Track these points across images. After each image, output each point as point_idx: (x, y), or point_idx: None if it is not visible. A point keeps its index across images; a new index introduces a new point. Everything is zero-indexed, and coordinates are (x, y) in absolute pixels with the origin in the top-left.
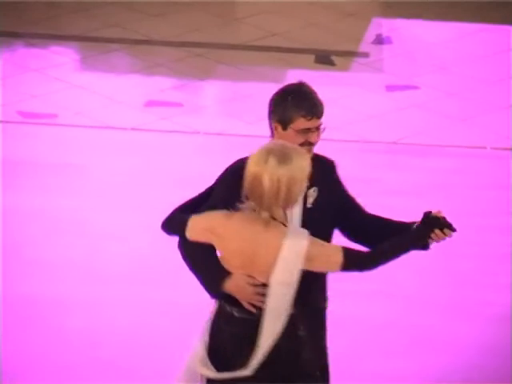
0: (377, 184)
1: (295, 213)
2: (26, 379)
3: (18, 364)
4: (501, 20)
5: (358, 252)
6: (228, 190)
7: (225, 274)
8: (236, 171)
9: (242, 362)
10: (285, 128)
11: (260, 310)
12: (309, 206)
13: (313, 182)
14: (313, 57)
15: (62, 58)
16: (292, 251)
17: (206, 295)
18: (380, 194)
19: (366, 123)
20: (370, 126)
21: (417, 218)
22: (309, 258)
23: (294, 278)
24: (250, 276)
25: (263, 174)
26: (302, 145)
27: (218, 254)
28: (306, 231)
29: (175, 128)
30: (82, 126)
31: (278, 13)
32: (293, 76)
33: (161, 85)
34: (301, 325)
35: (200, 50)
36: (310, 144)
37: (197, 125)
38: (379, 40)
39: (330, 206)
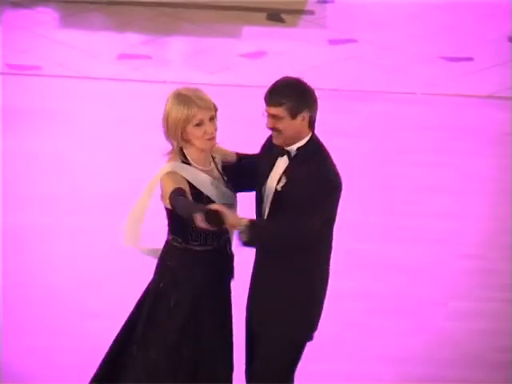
0: (321, 125)
1: (267, 194)
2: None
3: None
4: None
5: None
6: None
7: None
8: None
9: None
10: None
11: None
12: (279, 189)
13: (289, 171)
14: (265, 15)
15: (45, 17)
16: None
17: None
18: (323, 134)
19: (311, 72)
20: (315, 75)
21: (358, 157)
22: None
23: None
24: None
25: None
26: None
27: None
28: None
29: (145, 78)
30: (63, 76)
31: None
32: (248, 32)
33: (131, 40)
34: None
35: (166, 10)
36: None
37: (164, 75)
38: (319, 1)
39: (291, 197)
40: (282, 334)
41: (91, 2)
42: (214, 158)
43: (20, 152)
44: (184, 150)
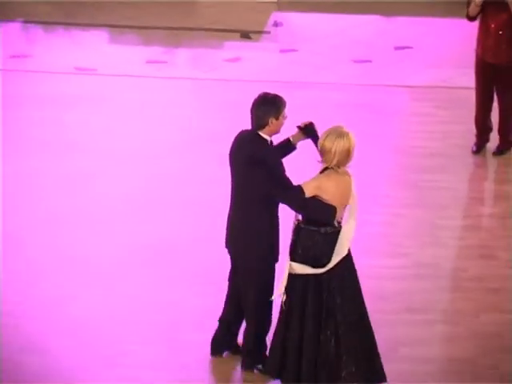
0: None
1: None
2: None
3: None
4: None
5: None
6: (277, 156)
7: (335, 209)
8: (264, 143)
9: (323, 264)
10: (277, 119)
11: (339, 225)
12: None
13: None
14: (239, 34)
15: (97, 36)
16: (354, 187)
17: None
18: None
19: (268, 71)
20: (270, 73)
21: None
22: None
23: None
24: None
25: (348, 147)
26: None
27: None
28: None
29: (163, 75)
30: (111, 74)
31: (216, 8)
32: (228, 45)
33: (154, 51)
34: None
35: (175, 31)
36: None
37: (175, 73)
38: (276, 24)
39: None
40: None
41: (129, 27)
42: None
43: (87, 129)
44: None
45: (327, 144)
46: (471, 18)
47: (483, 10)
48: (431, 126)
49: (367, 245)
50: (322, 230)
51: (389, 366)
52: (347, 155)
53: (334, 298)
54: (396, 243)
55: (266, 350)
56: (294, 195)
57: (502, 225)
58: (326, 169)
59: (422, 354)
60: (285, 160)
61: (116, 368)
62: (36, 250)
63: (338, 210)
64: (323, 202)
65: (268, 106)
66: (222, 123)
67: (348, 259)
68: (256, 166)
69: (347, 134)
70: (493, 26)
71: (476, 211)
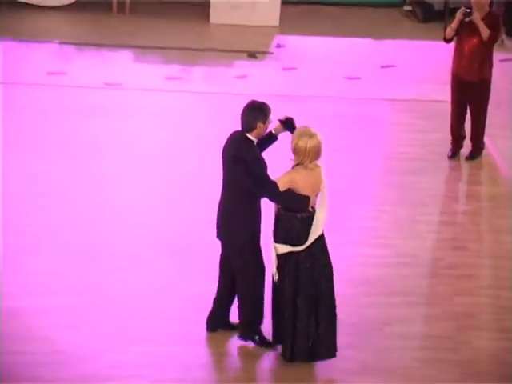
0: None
1: None
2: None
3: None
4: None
5: None
6: (258, 156)
7: (308, 197)
8: (250, 144)
9: (301, 243)
10: (264, 123)
11: (313, 210)
12: None
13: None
14: (246, 54)
15: (122, 56)
16: (323, 176)
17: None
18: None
19: (271, 85)
20: (273, 87)
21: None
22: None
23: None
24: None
25: (314, 145)
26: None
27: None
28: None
29: (180, 89)
30: (135, 88)
31: (226, 31)
32: (237, 64)
33: (173, 69)
34: None
35: (191, 52)
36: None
37: (190, 88)
38: (278, 46)
39: None
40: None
41: (150, 47)
42: None
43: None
44: None
45: (301, 144)
46: (447, 41)
47: (458, 33)
48: (413, 134)
49: (355, 237)
50: (299, 215)
51: (375, 342)
52: (317, 152)
53: (313, 274)
54: (381, 235)
55: (262, 321)
56: (270, 190)
57: (472, 220)
58: (297, 165)
59: (404, 331)
60: (268, 155)
61: (137, 344)
62: (69, 243)
63: (310, 198)
64: (296, 194)
65: (256, 112)
66: (231, 131)
67: (322, 239)
68: (238, 165)
69: (316, 135)
70: (466, 47)
71: (451, 208)
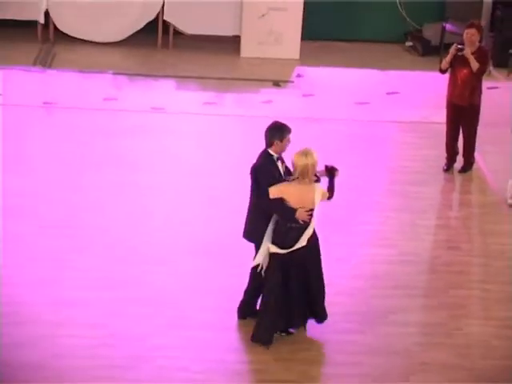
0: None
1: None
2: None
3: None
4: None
5: (328, 191)
6: (269, 169)
7: (294, 209)
8: (268, 158)
9: (292, 246)
10: (281, 141)
11: (305, 223)
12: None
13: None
14: (271, 83)
15: (164, 85)
16: (318, 193)
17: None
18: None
19: (293, 110)
20: (295, 111)
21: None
22: (320, 196)
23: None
24: (303, 208)
25: (306, 163)
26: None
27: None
28: (319, 185)
29: (216, 113)
30: (177, 113)
31: (254, 63)
32: (263, 91)
33: (209, 95)
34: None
35: (225, 81)
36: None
37: (224, 111)
38: (299, 75)
39: None
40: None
41: (189, 77)
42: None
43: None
44: None
45: (296, 161)
46: (443, 72)
47: (451, 65)
48: (414, 151)
49: (365, 238)
50: (288, 224)
51: (381, 329)
52: (308, 169)
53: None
54: (386, 237)
55: None
56: (263, 198)
57: (464, 224)
58: (293, 179)
59: (405, 319)
60: None
61: (176, 330)
62: (115, 246)
63: (299, 211)
64: (284, 205)
65: (275, 131)
66: (258, 148)
67: (312, 248)
68: (252, 174)
69: (311, 155)
70: (459, 78)
71: (446, 214)
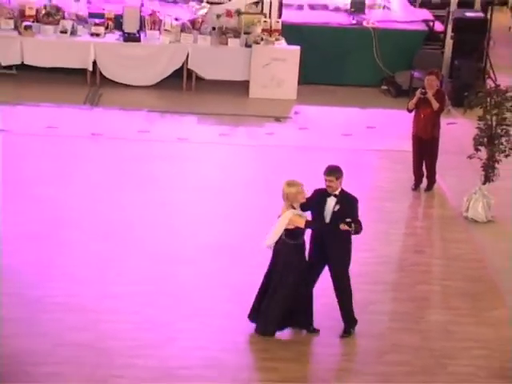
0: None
1: (328, 210)
2: None
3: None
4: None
5: (309, 221)
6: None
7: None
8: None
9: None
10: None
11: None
12: (335, 210)
13: (338, 201)
14: (273, 118)
15: (189, 120)
16: (285, 217)
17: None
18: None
19: (291, 140)
20: (292, 142)
21: None
22: (285, 220)
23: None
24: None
25: (287, 192)
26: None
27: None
28: (295, 211)
29: (228, 143)
30: (197, 142)
31: (260, 103)
32: (267, 125)
33: (224, 128)
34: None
35: (233, 117)
36: (328, 187)
37: (238, 141)
38: (296, 112)
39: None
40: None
41: (207, 114)
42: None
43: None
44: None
45: (284, 189)
46: (409, 111)
47: (416, 106)
48: (388, 173)
49: None
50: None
51: (362, 316)
52: (293, 197)
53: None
54: (365, 243)
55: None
56: None
57: (428, 233)
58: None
59: (381, 309)
60: None
61: (198, 317)
62: (146, 251)
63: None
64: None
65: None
66: (263, 170)
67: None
68: None
69: (295, 185)
70: (422, 115)
71: (413, 224)
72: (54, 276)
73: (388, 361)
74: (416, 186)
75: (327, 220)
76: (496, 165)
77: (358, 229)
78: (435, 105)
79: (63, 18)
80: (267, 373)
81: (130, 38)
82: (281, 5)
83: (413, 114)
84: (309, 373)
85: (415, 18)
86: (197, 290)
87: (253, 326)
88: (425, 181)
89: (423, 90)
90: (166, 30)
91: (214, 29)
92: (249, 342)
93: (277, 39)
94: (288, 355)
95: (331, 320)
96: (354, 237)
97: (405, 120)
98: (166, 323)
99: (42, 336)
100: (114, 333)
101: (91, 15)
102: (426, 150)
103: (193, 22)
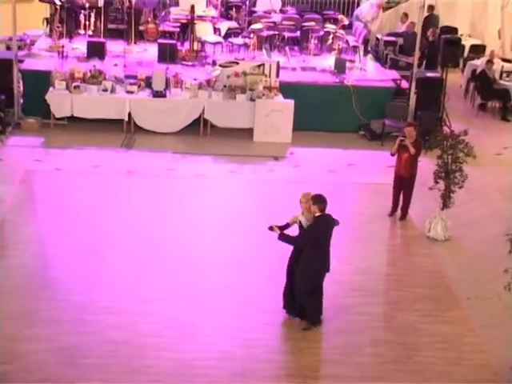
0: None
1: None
2: None
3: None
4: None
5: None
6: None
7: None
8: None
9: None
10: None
11: None
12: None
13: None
14: (272, 158)
15: (205, 160)
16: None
17: None
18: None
19: (287, 174)
20: (287, 176)
21: None
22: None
23: None
24: None
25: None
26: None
27: None
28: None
29: (237, 178)
30: (211, 178)
31: (263, 145)
32: (268, 163)
33: (232, 166)
34: None
35: (241, 157)
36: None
37: (241, 177)
38: (291, 153)
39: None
40: None
41: (221, 155)
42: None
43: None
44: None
45: (301, 199)
46: (393, 155)
47: (398, 151)
48: (368, 202)
49: (335, 258)
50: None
51: (345, 317)
52: (309, 207)
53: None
54: (348, 257)
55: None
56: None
57: (400, 249)
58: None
59: (361, 311)
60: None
61: (213, 316)
62: (170, 265)
63: None
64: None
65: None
66: (266, 199)
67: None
68: None
69: (310, 196)
70: (403, 158)
71: (387, 243)
72: (98, 285)
73: (366, 353)
74: (392, 213)
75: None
76: (451, 194)
77: (281, 237)
78: (412, 150)
79: (104, 79)
80: (269, 363)
81: (158, 94)
82: (278, 67)
83: (395, 157)
84: (303, 363)
85: (386, 78)
86: (213, 296)
87: (258, 325)
88: (399, 210)
89: (402, 138)
90: (186, 87)
91: (225, 86)
92: (255, 338)
93: (275, 94)
94: (286, 349)
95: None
96: (338, 252)
97: (379, 159)
98: (187, 323)
99: (88, 334)
100: (146, 331)
101: (127, 77)
102: (404, 185)
103: (208, 81)
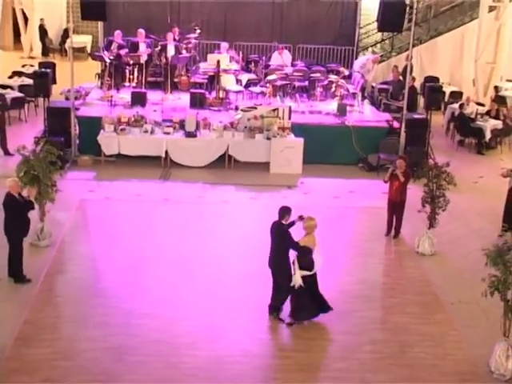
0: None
1: None
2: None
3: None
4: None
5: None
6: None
7: (310, 249)
8: (285, 226)
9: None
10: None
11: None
12: None
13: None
14: (286, 186)
15: (226, 188)
16: (317, 241)
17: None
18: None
19: (299, 202)
20: (300, 202)
21: None
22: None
23: None
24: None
25: (308, 224)
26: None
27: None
28: (314, 235)
29: (255, 204)
30: (231, 203)
31: (277, 175)
32: (283, 191)
33: (252, 194)
34: None
35: (260, 186)
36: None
37: (260, 203)
38: (301, 182)
39: None
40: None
41: (243, 184)
42: None
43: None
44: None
45: (308, 223)
46: (385, 182)
47: (390, 179)
48: (367, 223)
49: (336, 271)
50: (310, 258)
51: (347, 319)
52: (312, 228)
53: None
54: (350, 270)
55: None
56: (295, 244)
57: (394, 263)
58: (306, 234)
59: (361, 315)
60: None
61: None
62: (192, 282)
63: (312, 249)
64: (306, 247)
65: (283, 211)
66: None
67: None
68: (274, 232)
69: (313, 220)
70: (394, 186)
71: (383, 257)
72: (141, 295)
73: (366, 350)
74: (388, 233)
75: None
76: (436, 216)
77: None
78: (401, 179)
79: (145, 122)
80: (284, 359)
81: (190, 134)
82: (290, 111)
83: (387, 184)
84: (313, 359)
85: (380, 119)
86: (236, 303)
87: (274, 327)
88: (393, 230)
89: (393, 168)
90: (213, 129)
91: (245, 127)
92: (272, 338)
93: (288, 134)
94: (298, 347)
95: (325, 322)
96: (341, 265)
97: (375, 187)
98: (216, 326)
99: (133, 336)
100: (181, 333)
101: (164, 120)
102: (396, 208)
103: (231, 124)
